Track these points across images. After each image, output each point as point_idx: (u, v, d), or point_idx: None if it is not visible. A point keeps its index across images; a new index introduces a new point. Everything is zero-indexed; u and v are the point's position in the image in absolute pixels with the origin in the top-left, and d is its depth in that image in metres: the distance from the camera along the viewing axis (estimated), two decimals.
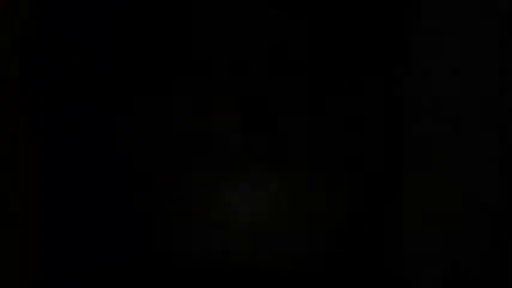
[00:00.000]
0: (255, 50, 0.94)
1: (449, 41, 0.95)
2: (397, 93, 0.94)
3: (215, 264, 1.07)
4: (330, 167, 0.99)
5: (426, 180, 0.99)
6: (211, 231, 1.08)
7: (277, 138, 0.99)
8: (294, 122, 0.99)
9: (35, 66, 1.25)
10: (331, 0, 0.86)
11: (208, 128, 1.19)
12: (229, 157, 1.12)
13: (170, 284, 1.10)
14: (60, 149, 1.26)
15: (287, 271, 1.02)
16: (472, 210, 0.94)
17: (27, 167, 1.24)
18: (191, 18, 1.01)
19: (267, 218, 1.06)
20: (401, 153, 1.01)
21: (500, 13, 0.88)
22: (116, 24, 1.18)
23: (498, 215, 0.91)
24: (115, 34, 1.17)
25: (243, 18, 0.96)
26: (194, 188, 1.12)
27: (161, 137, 1.20)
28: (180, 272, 1.10)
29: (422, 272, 0.94)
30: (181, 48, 1.08)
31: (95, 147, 1.25)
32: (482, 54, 0.94)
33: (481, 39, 0.94)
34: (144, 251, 1.12)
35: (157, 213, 1.15)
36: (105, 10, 1.19)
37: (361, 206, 0.99)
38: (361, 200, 1.00)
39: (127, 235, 1.16)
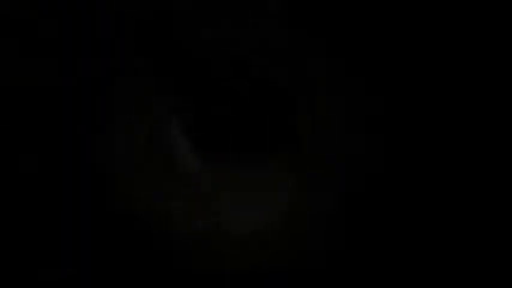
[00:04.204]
0: None
1: None
2: None
3: (215, 264, 1.06)
4: None
5: None
6: (211, 231, 1.07)
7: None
8: None
9: None
10: None
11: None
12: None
13: (170, 285, 1.09)
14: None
15: (287, 270, 1.01)
16: None
17: None
18: None
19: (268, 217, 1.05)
20: None
21: None
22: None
23: None
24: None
25: None
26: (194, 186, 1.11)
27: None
28: (180, 272, 1.10)
29: None
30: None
31: (95, 146, 1.24)
32: None
33: None
34: (143, 250, 1.11)
35: (157, 212, 1.14)
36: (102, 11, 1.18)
37: None
38: None
39: (127, 235, 1.15)
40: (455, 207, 0.90)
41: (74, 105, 0.91)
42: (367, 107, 0.93)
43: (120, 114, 0.93)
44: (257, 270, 0.92)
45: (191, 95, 0.93)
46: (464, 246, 0.89)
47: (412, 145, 0.91)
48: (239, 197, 0.92)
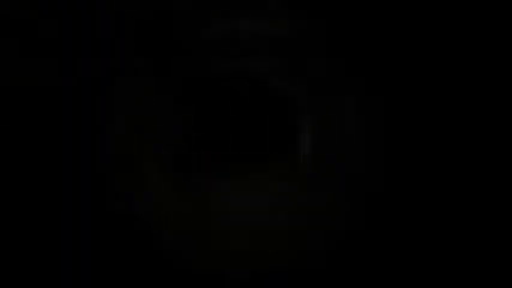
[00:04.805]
0: None
1: None
2: None
3: (215, 265, 1.06)
4: None
5: None
6: (211, 231, 1.07)
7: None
8: None
9: None
10: None
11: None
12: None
13: (170, 285, 1.09)
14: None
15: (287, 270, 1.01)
16: None
17: None
18: None
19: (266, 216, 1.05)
20: None
21: None
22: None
23: None
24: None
25: None
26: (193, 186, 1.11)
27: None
28: (180, 272, 1.10)
29: None
30: None
31: (95, 146, 1.24)
32: None
33: None
34: (143, 250, 1.11)
35: (156, 212, 1.14)
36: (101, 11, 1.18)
37: None
38: None
39: (127, 235, 1.15)
40: (454, 210, 0.90)
41: (74, 105, 0.91)
42: (367, 107, 0.93)
43: (120, 114, 0.92)
44: (257, 270, 0.92)
45: (191, 95, 0.93)
46: (463, 248, 0.89)
47: (412, 145, 0.91)
48: (239, 197, 0.92)
